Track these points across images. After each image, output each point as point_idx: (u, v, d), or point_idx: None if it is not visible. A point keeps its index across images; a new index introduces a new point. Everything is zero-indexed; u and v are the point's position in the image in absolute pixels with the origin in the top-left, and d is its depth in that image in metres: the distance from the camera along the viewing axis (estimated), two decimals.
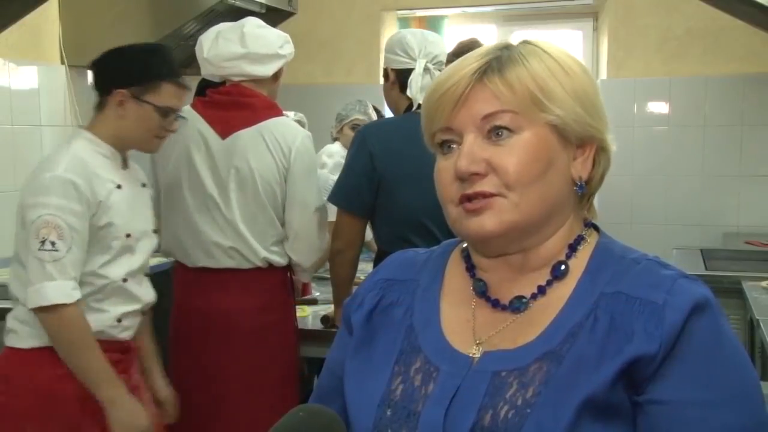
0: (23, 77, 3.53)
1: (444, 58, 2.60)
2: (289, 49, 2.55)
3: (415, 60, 2.54)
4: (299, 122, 3.78)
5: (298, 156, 2.47)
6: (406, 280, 1.10)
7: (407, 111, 2.58)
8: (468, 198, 0.97)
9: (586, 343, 0.93)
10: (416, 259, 1.13)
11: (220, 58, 2.47)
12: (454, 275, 1.08)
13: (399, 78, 2.57)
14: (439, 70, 2.55)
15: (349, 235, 2.54)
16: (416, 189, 2.41)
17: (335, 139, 4.04)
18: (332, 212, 2.61)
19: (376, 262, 2.59)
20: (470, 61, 0.99)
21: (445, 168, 1.00)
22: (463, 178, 0.96)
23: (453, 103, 0.97)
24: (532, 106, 0.96)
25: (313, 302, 2.99)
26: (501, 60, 0.97)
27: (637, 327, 0.91)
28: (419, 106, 2.49)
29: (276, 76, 2.56)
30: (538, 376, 0.93)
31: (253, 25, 2.51)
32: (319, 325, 2.73)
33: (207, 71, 2.54)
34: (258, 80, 2.51)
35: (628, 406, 0.91)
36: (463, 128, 0.97)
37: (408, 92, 2.53)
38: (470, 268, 1.06)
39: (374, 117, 3.94)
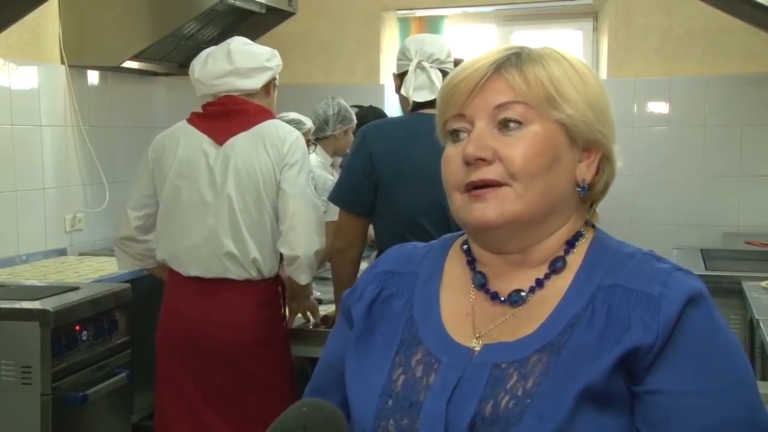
0: (23, 77, 3.53)
1: (443, 56, 2.60)
2: (276, 61, 2.64)
3: (411, 60, 2.57)
4: (302, 122, 3.76)
5: (292, 148, 2.53)
6: (406, 272, 1.11)
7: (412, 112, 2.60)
8: (474, 186, 0.98)
9: (584, 334, 0.95)
10: (415, 252, 1.15)
11: (210, 77, 2.56)
12: (454, 268, 1.09)
13: (401, 81, 2.60)
14: (440, 69, 2.56)
15: (350, 234, 2.54)
16: (414, 189, 2.42)
17: (321, 138, 3.84)
18: (333, 212, 2.61)
19: None
20: (490, 54, 1.02)
21: (453, 155, 1.01)
22: (469, 162, 0.98)
23: (469, 90, 1.00)
24: (545, 102, 0.98)
25: (318, 302, 2.98)
26: (521, 56, 1.00)
27: (634, 318, 0.93)
28: (418, 105, 2.54)
29: (267, 90, 2.64)
30: (538, 367, 0.95)
31: (239, 42, 2.62)
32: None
33: (200, 91, 2.62)
34: (250, 94, 2.59)
35: (626, 395, 0.93)
36: (475, 115, 0.99)
37: (402, 91, 2.55)
38: (471, 261, 1.07)
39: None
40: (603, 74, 4.57)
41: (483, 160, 0.97)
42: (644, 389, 0.92)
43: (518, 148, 0.97)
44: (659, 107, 4.45)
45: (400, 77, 2.61)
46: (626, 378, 0.93)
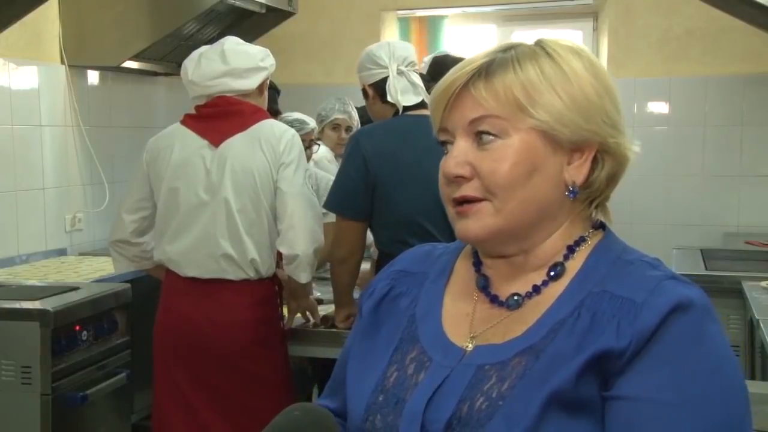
0: (23, 77, 3.53)
1: (415, 59, 2.63)
2: (270, 61, 2.62)
3: (386, 67, 2.56)
4: (305, 122, 3.76)
5: (287, 147, 2.52)
6: (418, 272, 1.12)
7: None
8: (458, 202, 0.99)
9: (565, 339, 0.94)
10: (432, 252, 1.15)
11: (204, 78, 2.53)
12: (462, 269, 1.10)
13: (377, 90, 2.59)
14: (415, 71, 2.58)
15: (351, 241, 2.54)
16: (411, 190, 2.42)
17: (317, 139, 3.96)
18: (331, 215, 2.61)
19: (378, 264, 2.59)
20: (467, 63, 1.00)
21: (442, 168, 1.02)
22: (451, 180, 0.99)
23: (443, 105, 1.00)
24: (517, 111, 0.96)
25: (319, 302, 2.99)
26: (492, 65, 0.98)
27: (612, 323, 0.92)
28: (405, 108, 2.54)
29: (261, 89, 2.62)
30: (516, 370, 0.94)
31: (232, 42, 2.60)
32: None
33: (194, 93, 2.59)
34: (244, 94, 2.57)
35: (599, 402, 0.91)
36: (455, 130, 1.00)
37: (389, 98, 2.55)
38: (477, 263, 1.08)
39: (354, 114, 3.92)
40: None
41: (462, 177, 0.97)
42: (611, 394, 0.90)
43: (493, 162, 0.96)
44: (659, 107, 4.45)
45: (375, 86, 2.59)
46: (599, 384, 0.91)
